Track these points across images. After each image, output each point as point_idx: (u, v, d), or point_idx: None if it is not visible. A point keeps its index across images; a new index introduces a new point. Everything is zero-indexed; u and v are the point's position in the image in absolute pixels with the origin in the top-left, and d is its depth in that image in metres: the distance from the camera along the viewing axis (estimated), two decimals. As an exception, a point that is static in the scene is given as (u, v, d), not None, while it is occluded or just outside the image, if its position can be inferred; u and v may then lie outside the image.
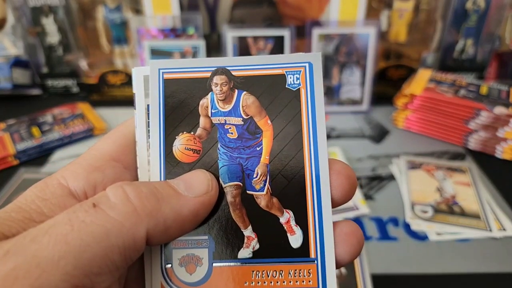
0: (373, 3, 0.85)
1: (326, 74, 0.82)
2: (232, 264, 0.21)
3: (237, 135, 0.22)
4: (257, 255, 0.21)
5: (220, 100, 0.22)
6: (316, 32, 0.79)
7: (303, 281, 0.21)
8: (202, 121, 0.22)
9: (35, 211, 0.19)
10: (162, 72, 0.22)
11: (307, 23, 0.80)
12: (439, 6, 0.83)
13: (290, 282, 0.21)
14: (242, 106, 0.22)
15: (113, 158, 0.22)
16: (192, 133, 0.22)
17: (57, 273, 0.16)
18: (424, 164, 0.65)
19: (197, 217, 0.20)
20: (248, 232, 0.21)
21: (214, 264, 0.21)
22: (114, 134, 0.23)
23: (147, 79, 0.22)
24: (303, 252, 0.21)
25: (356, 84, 0.82)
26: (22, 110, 0.83)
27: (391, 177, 0.64)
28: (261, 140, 0.22)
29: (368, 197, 0.60)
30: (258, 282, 0.21)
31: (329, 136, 0.76)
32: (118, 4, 0.85)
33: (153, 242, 0.19)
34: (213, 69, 0.22)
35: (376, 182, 0.63)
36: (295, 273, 0.21)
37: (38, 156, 0.70)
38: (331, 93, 0.83)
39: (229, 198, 0.22)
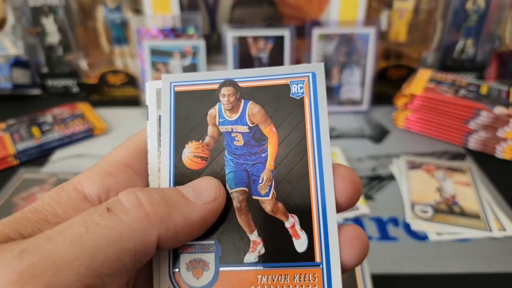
0: (373, 3, 0.85)
1: (326, 74, 0.82)
2: (238, 268, 0.21)
3: (243, 143, 0.23)
4: (263, 260, 0.21)
5: (227, 110, 0.23)
6: (316, 32, 0.79)
7: (308, 285, 0.21)
8: (210, 130, 0.23)
9: (50, 212, 0.19)
10: (174, 85, 0.24)
11: (307, 23, 0.80)
12: (439, 6, 0.83)
13: (296, 286, 0.21)
14: (248, 115, 0.23)
15: (125, 164, 0.23)
16: (200, 141, 0.23)
17: (72, 273, 0.16)
18: (424, 164, 0.65)
19: (206, 223, 0.21)
20: (253, 236, 0.22)
21: (220, 269, 0.21)
22: (127, 143, 0.24)
23: (159, 92, 0.24)
24: (308, 257, 0.21)
25: (356, 84, 0.82)
26: (22, 110, 0.83)
27: (391, 177, 0.64)
28: (266, 147, 0.23)
29: (368, 197, 0.60)
30: (264, 286, 0.21)
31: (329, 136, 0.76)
32: (118, 4, 0.85)
33: (163, 247, 0.19)
34: (221, 81, 0.23)
35: (376, 182, 0.63)
36: (300, 278, 0.21)
37: (38, 156, 0.70)
38: (331, 93, 0.83)
39: (235, 203, 0.22)
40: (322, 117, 0.22)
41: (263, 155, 0.23)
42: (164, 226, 0.19)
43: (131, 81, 0.88)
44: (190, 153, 0.23)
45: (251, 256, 0.22)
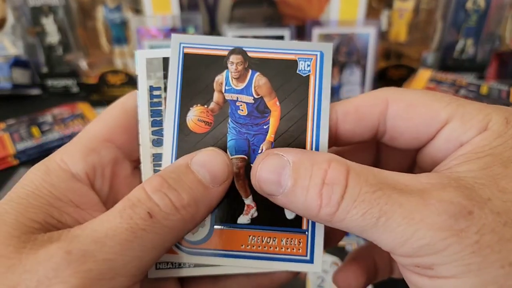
0: (373, 3, 0.85)
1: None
2: (231, 228, 0.23)
3: (247, 113, 0.24)
4: (254, 222, 0.23)
5: (234, 78, 0.24)
6: (316, 32, 0.79)
7: (293, 249, 0.23)
8: (216, 96, 0.24)
9: (50, 196, 0.20)
10: (183, 46, 0.24)
11: (307, 23, 0.80)
12: (439, 6, 0.83)
13: (282, 248, 0.23)
14: (254, 86, 0.24)
15: (105, 139, 0.23)
16: (205, 106, 0.24)
17: (127, 275, 0.18)
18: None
19: (219, 201, 0.23)
20: (248, 201, 0.23)
21: (215, 227, 0.23)
22: (104, 117, 0.24)
23: (149, 61, 0.24)
24: (296, 223, 0.23)
25: (356, 84, 0.82)
26: (22, 110, 0.83)
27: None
28: (269, 119, 0.24)
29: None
30: (253, 246, 0.23)
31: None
32: (118, 4, 0.85)
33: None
34: (231, 48, 0.23)
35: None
36: (287, 241, 0.23)
37: (38, 156, 0.70)
38: (331, 92, 0.83)
39: (234, 169, 0.23)
40: (324, 97, 0.23)
41: (264, 127, 0.24)
42: (194, 222, 0.21)
43: (131, 81, 0.87)
44: (195, 117, 0.23)
45: (244, 218, 0.23)
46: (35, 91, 0.91)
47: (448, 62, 0.86)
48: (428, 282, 0.18)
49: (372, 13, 0.84)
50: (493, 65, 0.86)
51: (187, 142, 0.23)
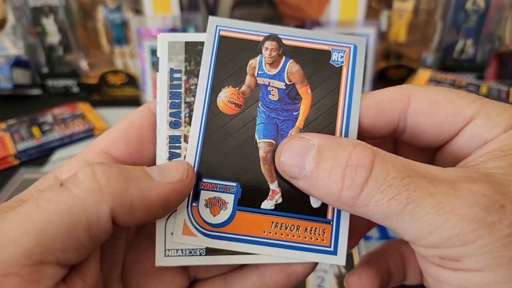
0: (373, 4, 0.85)
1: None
2: (254, 213, 0.23)
3: (278, 98, 0.24)
4: (278, 208, 0.23)
5: (267, 63, 0.24)
6: (316, 32, 0.79)
7: (317, 239, 0.22)
8: (248, 79, 0.24)
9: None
10: (219, 29, 0.24)
11: (307, 23, 0.80)
12: (439, 6, 0.83)
13: (305, 237, 0.22)
14: (287, 73, 0.24)
15: (102, 150, 0.23)
16: (237, 88, 0.24)
17: (19, 249, 0.16)
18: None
19: (167, 204, 0.20)
20: (273, 186, 0.23)
21: (237, 210, 0.23)
22: (110, 129, 0.24)
23: (171, 44, 0.24)
24: (321, 213, 0.23)
25: (356, 84, 0.82)
26: (22, 110, 0.83)
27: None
28: (299, 106, 0.24)
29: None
30: (276, 233, 0.22)
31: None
32: (118, 4, 0.85)
33: (120, 222, 0.19)
34: (266, 34, 0.24)
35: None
36: (311, 230, 0.23)
37: (39, 156, 0.70)
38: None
39: (261, 153, 0.23)
40: (356, 88, 0.23)
41: (294, 113, 0.24)
42: (118, 199, 0.18)
43: (131, 81, 0.88)
44: (226, 98, 0.24)
45: (268, 204, 0.23)
46: (36, 91, 0.92)
47: (448, 63, 0.86)
48: (452, 275, 0.17)
49: (371, 13, 0.84)
50: (493, 66, 0.86)
51: (215, 122, 0.23)
